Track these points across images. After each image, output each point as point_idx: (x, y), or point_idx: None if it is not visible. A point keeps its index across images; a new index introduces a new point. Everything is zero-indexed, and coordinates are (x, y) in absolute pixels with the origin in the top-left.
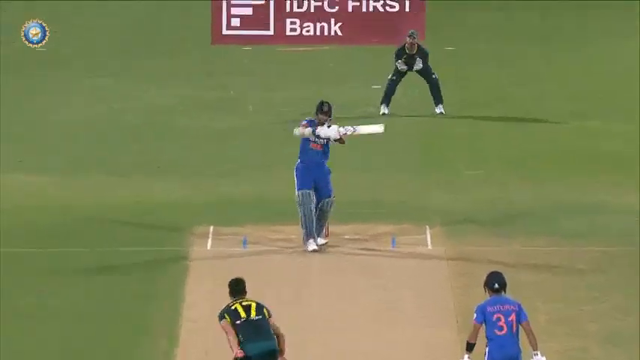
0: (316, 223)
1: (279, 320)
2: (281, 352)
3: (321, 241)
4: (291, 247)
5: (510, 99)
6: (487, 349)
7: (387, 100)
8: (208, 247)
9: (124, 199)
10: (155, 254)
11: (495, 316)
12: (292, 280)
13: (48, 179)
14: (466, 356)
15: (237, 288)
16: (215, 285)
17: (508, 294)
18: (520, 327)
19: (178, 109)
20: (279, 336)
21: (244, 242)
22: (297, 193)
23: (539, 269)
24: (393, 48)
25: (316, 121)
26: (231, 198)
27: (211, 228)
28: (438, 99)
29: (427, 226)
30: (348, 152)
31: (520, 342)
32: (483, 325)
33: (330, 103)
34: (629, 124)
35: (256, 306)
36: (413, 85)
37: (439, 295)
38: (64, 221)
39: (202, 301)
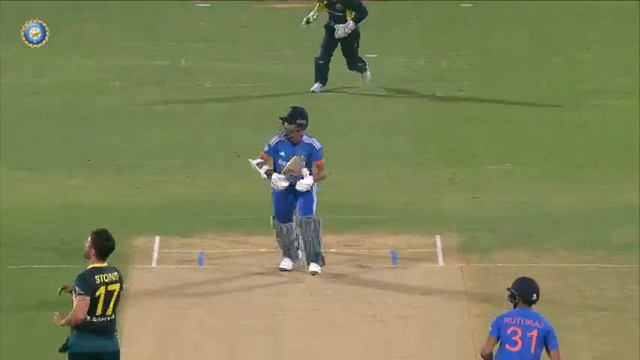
0: (305, 251)
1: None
2: None
3: (314, 267)
4: (260, 265)
5: (548, 72)
6: None
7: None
8: (153, 265)
9: (40, 201)
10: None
11: (511, 328)
12: (264, 315)
13: None
14: None
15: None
16: (163, 317)
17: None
18: (545, 353)
19: (112, 85)
20: None
21: (200, 259)
22: (271, 220)
23: (583, 293)
24: None
25: (282, 135)
26: (182, 200)
27: (157, 239)
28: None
29: (438, 236)
30: (337, 140)
31: None
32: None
33: (302, 109)
34: None
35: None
36: (418, 57)
37: (454, 330)
38: None
39: (146, 337)
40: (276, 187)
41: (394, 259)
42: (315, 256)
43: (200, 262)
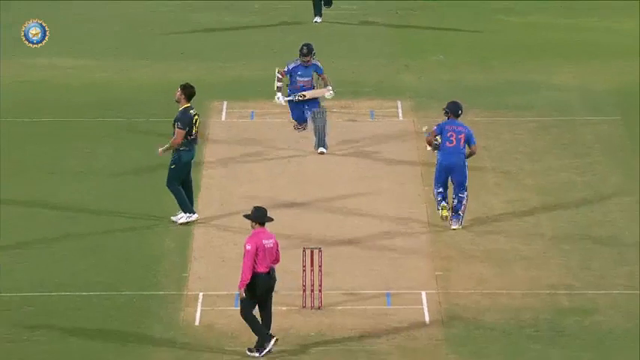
0: (315, 136)
1: (279, 173)
2: None
3: (321, 149)
4: (292, 121)
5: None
6: (438, 156)
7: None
8: (223, 119)
9: (152, 79)
10: None
11: (449, 133)
12: (290, 144)
13: (92, 62)
14: (429, 148)
15: (191, 91)
16: (229, 150)
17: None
18: (467, 146)
19: (197, 7)
20: None
21: (252, 115)
22: (293, 122)
23: (487, 136)
24: None
25: (298, 61)
26: (240, 78)
27: (225, 103)
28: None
29: (399, 102)
30: (334, 41)
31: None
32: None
33: (309, 44)
34: (570, 18)
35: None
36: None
37: (408, 156)
38: (104, 97)
39: (218, 161)
40: (275, 101)
41: (372, 114)
42: (323, 141)
43: (252, 116)
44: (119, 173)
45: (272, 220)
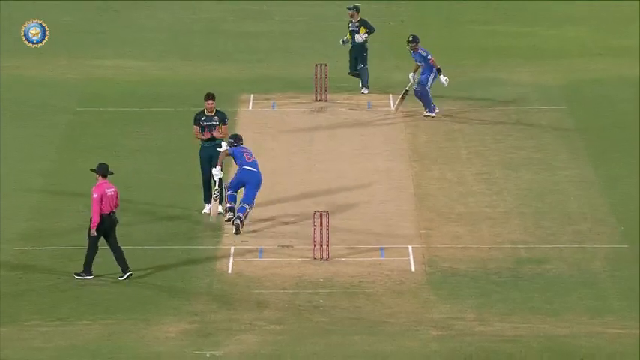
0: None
1: (295, 151)
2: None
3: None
4: (305, 108)
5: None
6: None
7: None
8: (249, 108)
9: (194, 76)
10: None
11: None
12: (304, 128)
13: (146, 63)
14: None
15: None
16: (254, 132)
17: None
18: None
19: (228, 19)
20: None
21: (273, 105)
22: None
23: (460, 121)
24: None
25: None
26: (263, 75)
27: (252, 95)
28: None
29: (391, 95)
30: (339, 45)
31: None
32: None
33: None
34: (527, 27)
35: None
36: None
37: (398, 138)
38: (156, 91)
39: (245, 142)
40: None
41: (369, 104)
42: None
43: (273, 106)
44: (168, 151)
45: (112, 173)
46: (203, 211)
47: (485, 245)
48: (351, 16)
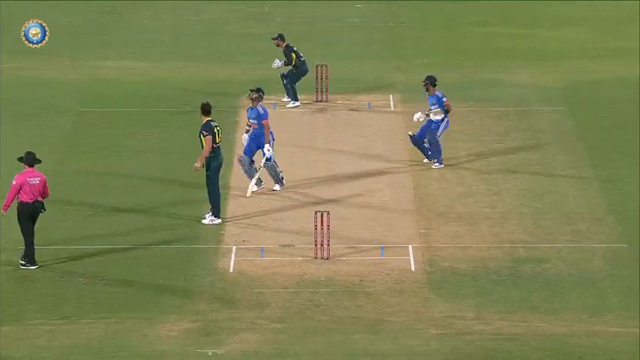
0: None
1: (295, 151)
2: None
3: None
4: (305, 110)
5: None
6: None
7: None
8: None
9: (196, 77)
10: (216, 113)
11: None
12: (305, 126)
13: (149, 64)
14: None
15: (207, 109)
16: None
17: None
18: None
19: (231, 20)
20: None
21: (274, 105)
22: None
23: (460, 122)
24: None
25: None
26: (265, 77)
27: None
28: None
29: (391, 95)
30: (340, 46)
31: None
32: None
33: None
34: (527, 29)
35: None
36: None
37: (397, 138)
38: (158, 92)
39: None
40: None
41: (369, 105)
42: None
43: (274, 106)
44: (170, 152)
45: (40, 162)
46: (203, 221)
47: (484, 245)
48: (277, 45)
